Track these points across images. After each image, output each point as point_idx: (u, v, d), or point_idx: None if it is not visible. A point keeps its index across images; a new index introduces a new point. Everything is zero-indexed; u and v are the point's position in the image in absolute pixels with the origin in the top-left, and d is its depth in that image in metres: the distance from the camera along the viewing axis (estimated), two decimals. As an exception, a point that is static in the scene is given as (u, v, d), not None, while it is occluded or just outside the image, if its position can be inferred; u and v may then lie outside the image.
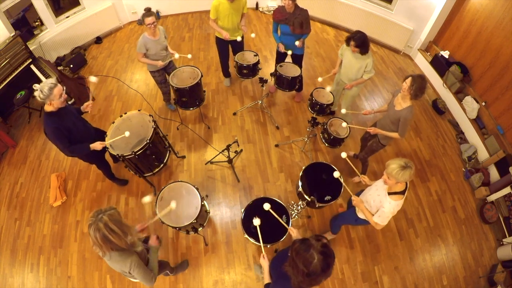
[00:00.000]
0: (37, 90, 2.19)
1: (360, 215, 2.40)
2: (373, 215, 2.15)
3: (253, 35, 3.71)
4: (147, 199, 2.14)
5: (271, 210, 1.99)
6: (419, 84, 2.34)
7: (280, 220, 2.05)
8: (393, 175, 1.84)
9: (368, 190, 2.33)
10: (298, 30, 3.42)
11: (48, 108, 2.33)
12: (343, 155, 2.48)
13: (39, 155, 3.87)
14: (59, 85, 2.28)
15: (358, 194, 2.50)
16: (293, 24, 3.40)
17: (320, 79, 3.38)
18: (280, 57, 3.91)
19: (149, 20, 3.08)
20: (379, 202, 2.09)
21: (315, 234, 1.44)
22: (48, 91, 2.20)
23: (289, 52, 3.58)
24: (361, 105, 4.49)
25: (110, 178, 3.36)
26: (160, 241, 2.68)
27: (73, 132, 2.52)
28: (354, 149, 3.90)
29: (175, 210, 2.57)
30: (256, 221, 1.95)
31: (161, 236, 3.11)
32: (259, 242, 2.30)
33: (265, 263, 1.84)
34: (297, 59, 3.81)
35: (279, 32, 3.63)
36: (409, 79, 2.39)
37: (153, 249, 2.02)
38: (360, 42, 2.93)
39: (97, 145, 2.59)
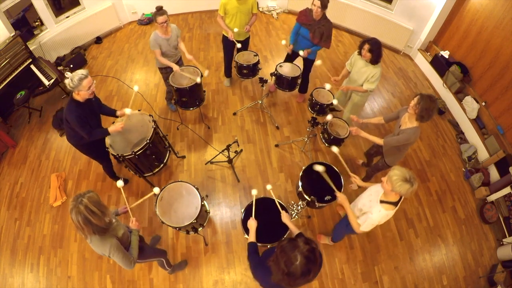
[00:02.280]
0: (68, 78, 2.23)
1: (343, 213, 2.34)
2: (358, 217, 2.08)
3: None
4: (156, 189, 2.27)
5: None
6: (427, 104, 2.14)
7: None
8: (392, 181, 1.74)
9: (360, 197, 2.23)
10: (317, 40, 3.35)
11: (76, 96, 2.36)
12: (334, 149, 2.44)
13: (39, 155, 3.87)
14: (89, 77, 2.31)
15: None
16: (314, 31, 3.33)
17: (327, 87, 3.16)
18: (289, 58, 3.88)
19: (162, 19, 3.05)
20: (368, 208, 2.00)
21: (307, 238, 1.41)
22: (78, 81, 2.23)
23: (301, 53, 3.47)
24: (361, 105, 4.49)
25: (111, 176, 3.35)
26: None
27: (93, 124, 2.58)
28: (354, 149, 3.90)
29: (175, 210, 2.58)
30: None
31: (161, 235, 3.12)
32: (258, 242, 2.32)
33: (253, 224, 2.02)
34: (308, 64, 3.80)
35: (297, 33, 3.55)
36: (417, 97, 2.21)
37: (134, 232, 2.05)
38: (376, 46, 2.78)
39: (117, 127, 2.61)
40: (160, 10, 3.06)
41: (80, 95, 2.35)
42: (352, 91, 3.32)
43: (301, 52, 3.51)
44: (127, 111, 2.64)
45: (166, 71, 3.62)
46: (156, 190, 2.28)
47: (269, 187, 2.31)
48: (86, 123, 2.49)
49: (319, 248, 1.38)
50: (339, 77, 3.33)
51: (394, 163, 2.80)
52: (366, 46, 2.83)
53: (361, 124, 3.65)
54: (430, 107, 2.16)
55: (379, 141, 2.57)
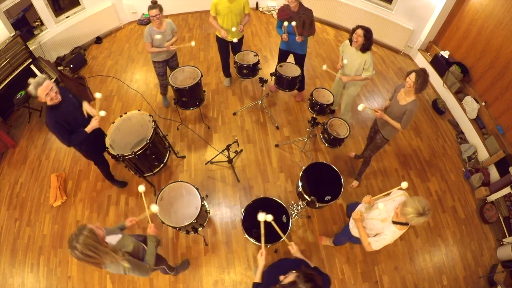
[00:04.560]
0: (30, 85, 2.21)
1: (355, 232, 2.31)
2: (368, 236, 2.07)
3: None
4: (153, 208, 2.01)
5: (273, 223, 1.83)
6: (423, 78, 2.37)
7: (280, 233, 1.90)
8: (407, 218, 1.73)
9: (369, 213, 2.18)
10: (300, 30, 3.40)
11: (48, 102, 2.32)
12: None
13: (39, 155, 3.87)
14: (45, 84, 2.22)
15: (353, 207, 2.39)
16: (296, 22, 3.37)
17: (324, 67, 3.12)
18: (282, 57, 3.90)
19: (153, 12, 3.19)
20: (381, 229, 1.99)
21: (304, 271, 1.31)
22: (34, 90, 2.20)
23: (293, 23, 3.32)
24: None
25: (108, 178, 3.35)
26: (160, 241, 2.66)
27: (72, 124, 2.52)
28: (354, 149, 3.91)
29: (175, 210, 2.58)
30: (261, 216, 1.78)
31: (160, 236, 3.12)
32: (258, 242, 2.31)
33: (261, 261, 1.76)
34: (299, 59, 3.81)
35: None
36: (413, 74, 2.39)
37: (150, 238, 2.00)
38: (369, 32, 2.87)
39: (93, 124, 2.53)
40: (153, 4, 3.19)
41: (48, 100, 2.29)
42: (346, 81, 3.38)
43: (287, 23, 3.36)
44: (98, 95, 2.54)
45: (160, 65, 3.70)
46: (154, 208, 2.01)
47: (261, 217, 1.80)
48: (64, 129, 2.44)
49: (320, 282, 1.30)
50: (340, 64, 3.39)
51: (391, 135, 2.92)
52: (359, 31, 2.89)
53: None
54: (426, 79, 2.39)
55: (398, 126, 2.67)
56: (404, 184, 2.01)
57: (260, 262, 1.76)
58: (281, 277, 1.37)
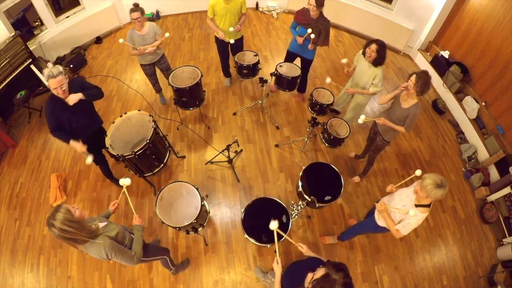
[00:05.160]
0: (47, 68, 2.21)
1: (381, 222, 2.35)
2: (395, 224, 2.14)
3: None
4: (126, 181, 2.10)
5: (278, 230, 1.84)
6: (424, 80, 2.35)
7: (287, 238, 1.97)
8: (427, 190, 1.84)
9: (390, 199, 2.28)
10: (315, 39, 3.35)
11: (54, 93, 2.33)
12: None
13: (39, 155, 3.87)
14: (58, 78, 2.22)
15: (373, 210, 2.48)
16: (312, 31, 3.32)
17: (328, 80, 3.12)
18: (289, 59, 3.87)
19: (133, 15, 3.20)
20: (404, 213, 2.07)
21: (332, 263, 1.37)
22: (46, 78, 2.22)
23: (309, 30, 3.23)
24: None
25: (107, 176, 3.35)
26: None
27: (64, 125, 2.53)
28: (354, 149, 3.91)
29: (175, 210, 2.58)
30: (273, 225, 1.81)
31: (160, 236, 3.12)
32: (258, 242, 2.32)
33: (278, 269, 1.72)
34: (306, 64, 3.80)
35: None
36: (414, 76, 2.39)
37: (136, 227, 2.04)
38: (382, 47, 2.84)
39: (76, 145, 2.52)
40: (134, 7, 3.19)
41: (57, 94, 2.30)
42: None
43: (309, 30, 3.27)
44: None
45: (148, 67, 3.73)
46: (127, 181, 2.09)
47: (274, 225, 1.84)
48: (54, 120, 2.45)
49: (348, 271, 1.34)
50: (351, 68, 3.37)
51: (391, 138, 2.92)
52: (373, 46, 2.85)
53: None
54: (427, 81, 2.37)
55: (402, 129, 2.66)
56: (418, 172, 2.26)
57: (277, 271, 1.74)
58: (309, 275, 1.41)
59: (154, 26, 3.45)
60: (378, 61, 2.91)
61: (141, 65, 3.72)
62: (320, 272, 1.35)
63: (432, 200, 2.01)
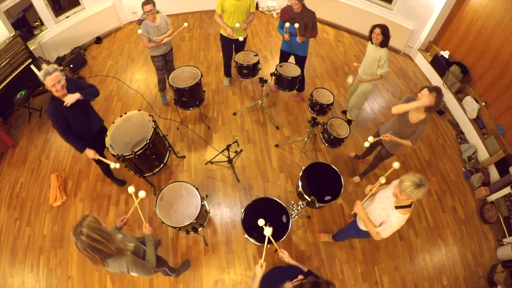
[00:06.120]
0: (41, 70, 2.21)
1: (362, 225, 2.31)
2: (375, 226, 2.09)
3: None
4: (141, 194, 2.12)
5: (270, 237, 1.80)
6: (439, 100, 2.28)
7: (274, 243, 1.88)
8: (407, 192, 1.76)
9: (370, 202, 2.22)
10: (302, 31, 3.39)
11: (54, 93, 2.31)
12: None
13: (39, 155, 3.87)
14: (54, 74, 2.20)
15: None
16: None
17: (350, 79, 3.54)
18: (283, 58, 3.89)
19: (147, 8, 3.29)
20: (385, 216, 2.02)
21: (312, 276, 1.38)
22: (43, 77, 2.20)
23: (296, 25, 3.25)
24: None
25: (107, 175, 3.35)
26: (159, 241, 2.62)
27: (71, 125, 2.51)
28: (354, 149, 3.91)
29: (175, 210, 2.58)
30: (267, 231, 1.78)
31: (160, 236, 3.12)
32: (258, 242, 2.32)
33: (259, 272, 1.73)
34: (300, 61, 3.81)
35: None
36: (425, 90, 2.31)
37: (148, 237, 2.00)
38: (386, 28, 3.00)
39: (90, 153, 2.62)
40: (146, 0, 3.28)
41: (57, 92, 2.28)
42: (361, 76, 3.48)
43: (296, 25, 3.31)
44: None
45: (158, 59, 3.76)
46: (141, 193, 2.12)
47: (268, 231, 1.81)
48: (62, 122, 2.43)
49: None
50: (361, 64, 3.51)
51: (395, 150, 2.93)
52: (377, 30, 3.01)
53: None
54: (440, 102, 2.32)
55: (408, 143, 2.61)
56: (396, 164, 2.18)
57: (258, 273, 1.74)
58: (288, 284, 1.38)
59: (164, 17, 3.59)
60: (384, 42, 3.05)
61: (153, 57, 3.76)
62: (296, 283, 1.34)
63: (413, 201, 1.94)
